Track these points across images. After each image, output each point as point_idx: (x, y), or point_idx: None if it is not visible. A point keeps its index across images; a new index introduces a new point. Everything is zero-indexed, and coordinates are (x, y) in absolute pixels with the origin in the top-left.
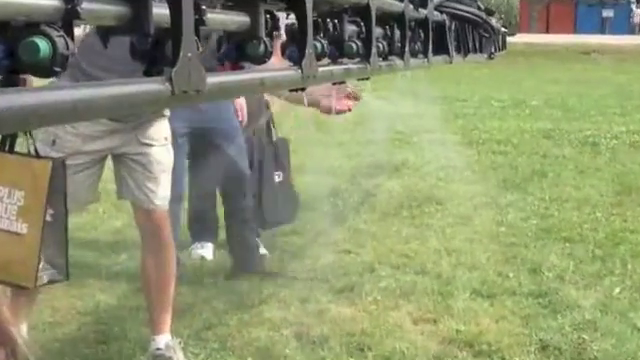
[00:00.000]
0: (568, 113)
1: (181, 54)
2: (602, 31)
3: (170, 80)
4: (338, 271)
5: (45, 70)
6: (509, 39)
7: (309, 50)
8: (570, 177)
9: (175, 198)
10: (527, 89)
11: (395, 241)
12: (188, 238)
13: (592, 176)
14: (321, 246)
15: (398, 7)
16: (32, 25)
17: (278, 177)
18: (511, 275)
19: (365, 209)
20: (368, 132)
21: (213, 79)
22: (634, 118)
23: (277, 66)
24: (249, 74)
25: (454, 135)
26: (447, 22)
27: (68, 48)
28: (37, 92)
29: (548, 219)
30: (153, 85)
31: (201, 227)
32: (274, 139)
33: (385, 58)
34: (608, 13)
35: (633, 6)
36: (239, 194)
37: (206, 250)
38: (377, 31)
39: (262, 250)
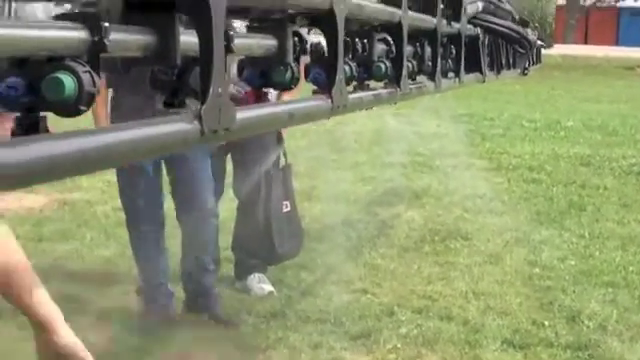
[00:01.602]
0: (609, 137)
1: (211, 90)
2: None
3: (199, 118)
4: (353, 314)
5: (69, 109)
6: (544, 51)
7: (339, 77)
8: (612, 211)
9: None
10: (562, 108)
11: (416, 281)
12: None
13: (638, 210)
14: (334, 284)
15: (430, 23)
16: (55, 59)
17: (286, 207)
18: (547, 323)
19: (382, 243)
20: (384, 154)
21: (242, 115)
22: None
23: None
24: (278, 107)
25: (481, 159)
26: (480, 36)
27: (94, 85)
28: (53, 140)
29: (588, 260)
30: (181, 125)
31: None
32: (282, 165)
33: (414, 79)
34: None
35: None
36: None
37: None
38: (407, 49)
39: (268, 287)
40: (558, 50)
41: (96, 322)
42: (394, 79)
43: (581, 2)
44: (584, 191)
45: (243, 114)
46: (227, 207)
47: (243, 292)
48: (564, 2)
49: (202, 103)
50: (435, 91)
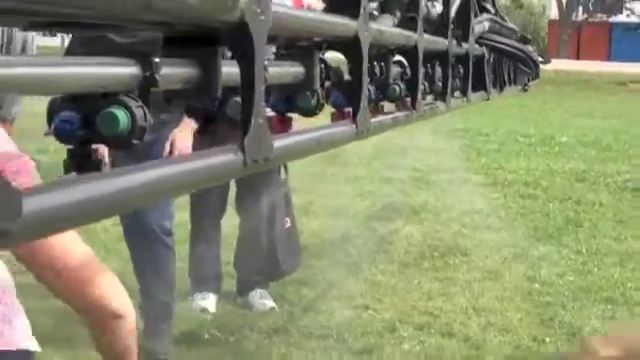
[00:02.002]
0: (603, 152)
1: (253, 121)
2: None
3: (242, 149)
4: (355, 330)
5: (122, 143)
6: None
7: (364, 103)
8: (609, 227)
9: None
10: (556, 123)
11: (417, 297)
12: (187, 286)
13: (634, 227)
14: (335, 300)
15: (442, 45)
16: (109, 94)
17: (287, 223)
18: (547, 340)
19: (381, 258)
20: (382, 169)
21: (279, 143)
22: None
23: None
24: (307, 135)
25: (477, 175)
26: (486, 55)
27: (146, 119)
28: (102, 179)
29: (586, 276)
30: (226, 156)
31: (202, 275)
32: (282, 178)
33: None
34: None
35: None
36: None
37: (208, 301)
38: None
39: (270, 303)
40: (550, 65)
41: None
42: (409, 101)
43: (573, 17)
44: (580, 207)
45: (278, 143)
46: (229, 223)
47: (245, 308)
48: (557, 17)
49: (244, 134)
50: (446, 111)
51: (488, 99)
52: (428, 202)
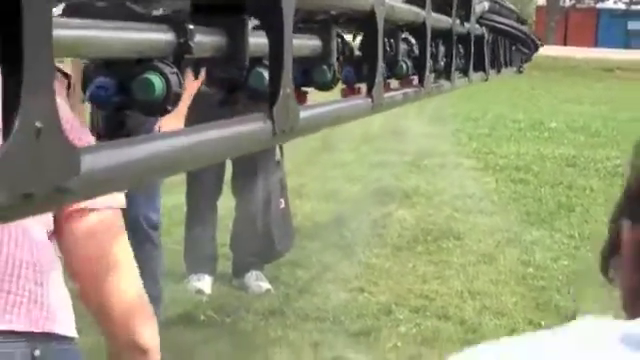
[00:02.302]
0: (592, 138)
1: (281, 91)
2: (627, 45)
3: (272, 118)
4: (352, 312)
5: (157, 108)
6: None
7: (379, 78)
8: (601, 212)
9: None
10: (544, 108)
11: (412, 280)
12: (183, 269)
13: None
14: (330, 282)
15: (447, 23)
16: (144, 61)
17: (281, 204)
18: (543, 323)
19: (375, 242)
20: (372, 153)
21: (304, 113)
22: None
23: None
24: (328, 107)
25: (468, 159)
26: (486, 36)
27: (180, 85)
28: (133, 145)
29: (580, 260)
30: (255, 125)
31: (198, 257)
32: (277, 159)
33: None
34: (634, 25)
35: None
36: None
37: (203, 283)
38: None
39: (266, 285)
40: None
41: None
42: (417, 79)
43: (561, 3)
44: (571, 192)
45: (304, 113)
46: (224, 205)
47: (241, 289)
48: (544, 4)
49: (273, 103)
50: (451, 89)
51: (487, 79)
52: (420, 186)
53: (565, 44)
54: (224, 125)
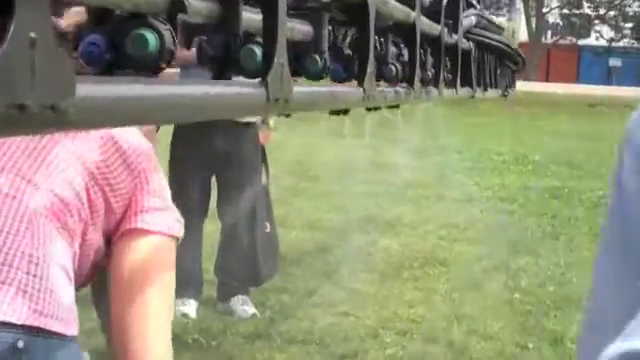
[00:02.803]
0: (576, 171)
1: (275, 60)
2: (608, 81)
3: (266, 85)
4: (337, 335)
5: (151, 65)
6: None
7: (371, 68)
8: (585, 241)
9: None
10: (528, 142)
11: (398, 305)
12: None
13: None
14: (316, 307)
15: (436, 30)
16: (137, 17)
17: (266, 228)
18: (531, 346)
19: (361, 268)
20: (356, 184)
21: (298, 88)
22: None
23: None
24: (323, 88)
25: (452, 190)
26: (473, 51)
27: (174, 44)
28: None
29: (566, 286)
30: (249, 89)
31: (183, 281)
32: (263, 183)
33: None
34: (615, 62)
35: None
36: None
37: (189, 307)
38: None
39: (251, 309)
40: (520, 87)
41: None
42: (407, 81)
43: (543, 40)
44: (556, 222)
45: (299, 88)
46: (210, 229)
47: (226, 314)
48: (526, 40)
49: (267, 71)
50: (438, 98)
51: (473, 96)
52: (404, 216)
53: (547, 80)
54: (221, 84)
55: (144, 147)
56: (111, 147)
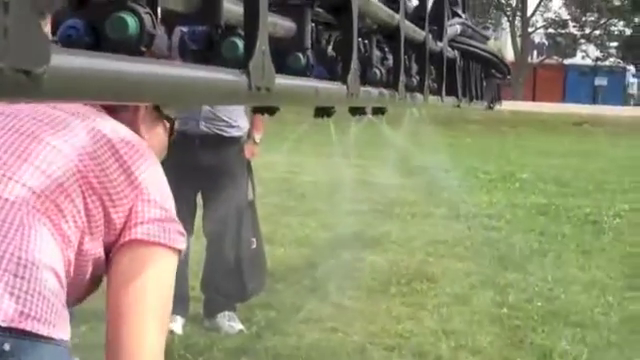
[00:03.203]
0: (563, 188)
1: (257, 46)
2: (594, 101)
3: (247, 72)
4: (325, 351)
5: (131, 48)
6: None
7: (354, 66)
8: (573, 257)
9: None
10: (515, 161)
11: (386, 320)
12: None
13: (597, 257)
14: (303, 323)
15: (420, 35)
16: (117, 0)
17: (253, 244)
18: None
19: (348, 284)
20: (343, 202)
21: (281, 80)
22: (637, 196)
23: None
24: (309, 82)
25: (439, 208)
26: (458, 61)
27: (155, 27)
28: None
29: (554, 301)
30: (230, 75)
31: None
32: (250, 199)
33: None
34: (601, 81)
35: (629, 75)
36: None
37: (175, 324)
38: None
39: (238, 325)
40: (506, 106)
41: None
42: (391, 84)
43: (529, 60)
44: (544, 238)
45: (282, 79)
46: (196, 246)
47: (213, 330)
48: (512, 60)
49: (249, 58)
50: (423, 104)
51: (459, 106)
52: (392, 233)
53: (534, 99)
54: (202, 69)
55: (141, 148)
56: (107, 151)
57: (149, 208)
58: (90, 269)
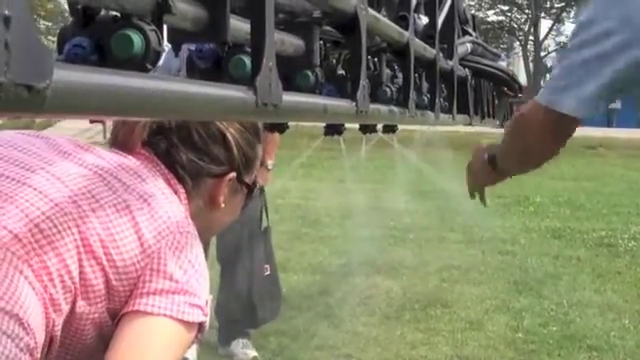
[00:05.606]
0: (577, 211)
1: (264, 62)
2: (608, 124)
3: (254, 88)
4: None
5: (136, 66)
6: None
7: (363, 83)
8: (588, 280)
9: None
10: (529, 184)
11: (401, 346)
12: None
13: (612, 280)
14: (317, 349)
15: (430, 53)
16: (122, 18)
17: (266, 270)
18: None
19: (362, 311)
20: (357, 228)
21: (288, 97)
22: None
23: None
24: (315, 98)
25: (453, 233)
26: (469, 79)
27: (160, 44)
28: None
29: (569, 325)
30: (239, 92)
31: None
32: (264, 226)
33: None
34: (615, 104)
35: None
36: None
37: (189, 351)
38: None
39: (252, 352)
40: None
41: None
42: (401, 102)
43: (541, 83)
44: (558, 262)
45: (289, 96)
46: (210, 274)
47: (227, 357)
48: (525, 84)
49: (255, 74)
50: (434, 122)
51: (470, 124)
52: (406, 258)
53: None
54: (209, 85)
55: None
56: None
57: (157, 278)
58: (92, 332)
